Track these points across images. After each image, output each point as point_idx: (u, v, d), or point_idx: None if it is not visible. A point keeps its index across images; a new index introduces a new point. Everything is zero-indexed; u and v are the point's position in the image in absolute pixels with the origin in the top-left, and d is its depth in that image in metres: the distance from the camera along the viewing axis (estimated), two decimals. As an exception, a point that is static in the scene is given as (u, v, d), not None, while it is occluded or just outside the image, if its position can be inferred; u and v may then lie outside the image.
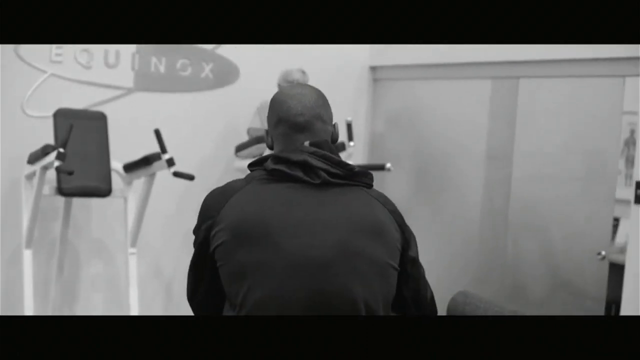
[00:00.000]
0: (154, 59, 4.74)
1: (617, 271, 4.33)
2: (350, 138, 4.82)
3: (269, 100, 4.72)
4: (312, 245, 1.83)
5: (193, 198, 4.96)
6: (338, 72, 5.40)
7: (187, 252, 5.00)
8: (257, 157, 4.52)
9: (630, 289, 4.04)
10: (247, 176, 1.98)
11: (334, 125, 2.04)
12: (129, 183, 4.41)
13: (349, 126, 4.85)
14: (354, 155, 4.91)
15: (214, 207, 1.93)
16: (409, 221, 2.05)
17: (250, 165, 2.01)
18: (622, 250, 5.01)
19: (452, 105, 5.15)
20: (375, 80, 5.67)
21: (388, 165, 4.59)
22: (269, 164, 1.93)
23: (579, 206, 4.37)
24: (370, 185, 1.97)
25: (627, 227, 5.09)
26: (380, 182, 5.60)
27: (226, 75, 5.02)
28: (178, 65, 4.84)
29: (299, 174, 1.89)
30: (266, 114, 4.61)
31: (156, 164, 4.19)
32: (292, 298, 1.81)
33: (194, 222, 5.26)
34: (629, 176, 5.46)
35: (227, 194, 1.93)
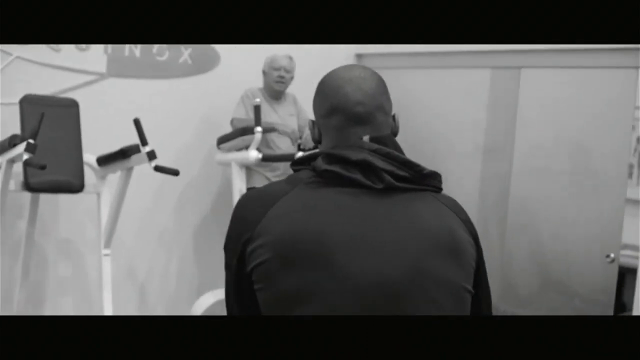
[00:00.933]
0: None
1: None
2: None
3: (254, 88, 4.44)
4: (379, 267, 1.48)
5: (169, 193, 4.61)
6: (321, 59, 5.04)
7: (162, 252, 4.69)
8: (240, 144, 4.22)
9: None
10: (290, 178, 1.61)
11: (393, 116, 1.69)
12: (102, 177, 4.01)
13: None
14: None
15: (250, 217, 1.55)
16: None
17: (293, 164, 1.65)
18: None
19: (446, 97, 4.85)
20: (361, 69, 5.34)
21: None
22: (320, 164, 1.56)
23: (585, 205, 4.11)
24: (440, 189, 1.64)
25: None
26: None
27: (206, 61, 4.65)
28: (154, 49, 4.45)
29: (358, 176, 1.54)
30: (251, 103, 4.29)
31: (135, 157, 3.81)
32: None
33: (170, 219, 4.87)
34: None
35: (268, 201, 1.56)
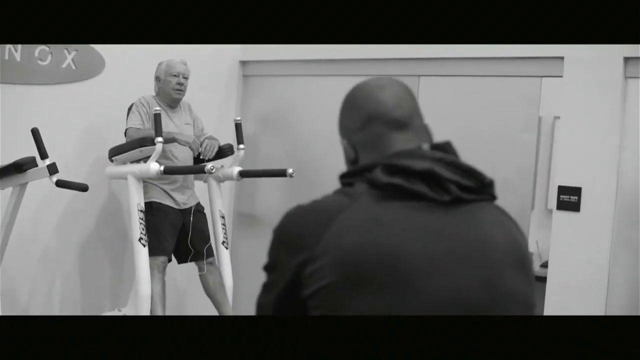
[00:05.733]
0: (7, 45, 3.94)
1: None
2: (240, 141, 4.31)
3: (148, 96, 4.17)
4: (456, 286, 1.36)
5: (50, 210, 4.24)
6: (205, 66, 4.86)
7: (45, 273, 4.28)
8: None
9: (554, 300, 3.91)
10: (342, 191, 1.44)
11: (426, 125, 1.58)
12: (-12, 195, 3.62)
13: (238, 127, 4.34)
14: (244, 160, 4.40)
15: (309, 234, 1.37)
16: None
17: (344, 177, 1.48)
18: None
19: (336, 106, 4.77)
20: (245, 77, 5.18)
21: (290, 170, 4.11)
22: (380, 176, 1.41)
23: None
24: (495, 198, 1.54)
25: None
26: (252, 187, 5.12)
27: (91, 66, 4.31)
28: (36, 52, 4.07)
29: (423, 188, 1.40)
30: (147, 111, 4.02)
31: (32, 172, 3.46)
32: None
33: (52, 237, 4.48)
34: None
35: (329, 216, 1.38)
